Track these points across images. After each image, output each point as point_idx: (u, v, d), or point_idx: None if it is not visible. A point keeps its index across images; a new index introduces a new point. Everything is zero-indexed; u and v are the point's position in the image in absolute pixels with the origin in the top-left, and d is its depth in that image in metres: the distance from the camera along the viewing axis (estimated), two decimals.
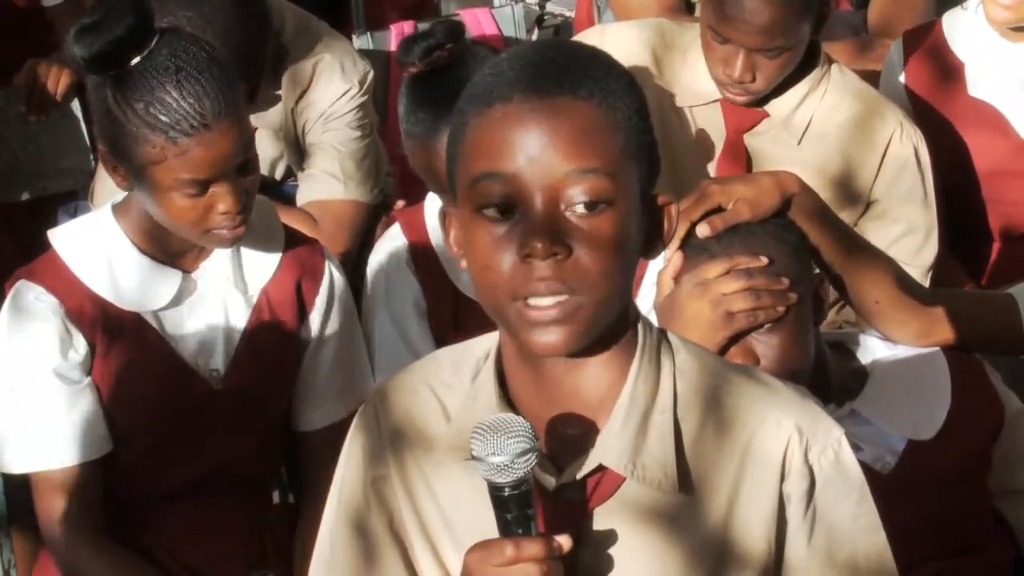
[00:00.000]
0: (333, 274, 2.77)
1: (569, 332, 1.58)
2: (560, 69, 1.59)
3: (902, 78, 3.56)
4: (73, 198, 4.04)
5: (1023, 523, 2.57)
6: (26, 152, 4.12)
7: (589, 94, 1.58)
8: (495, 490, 1.61)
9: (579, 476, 1.66)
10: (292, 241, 2.75)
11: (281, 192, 3.56)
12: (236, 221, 2.52)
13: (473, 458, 1.61)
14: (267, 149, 3.49)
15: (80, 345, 2.60)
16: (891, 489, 2.39)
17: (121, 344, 2.62)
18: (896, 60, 3.59)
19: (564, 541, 1.62)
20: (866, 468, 2.37)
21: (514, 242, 1.57)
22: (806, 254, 2.42)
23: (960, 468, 2.48)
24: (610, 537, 1.67)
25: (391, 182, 3.81)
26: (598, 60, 1.63)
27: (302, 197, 3.54)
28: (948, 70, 3.53)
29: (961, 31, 3.53)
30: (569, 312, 1.57)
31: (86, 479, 2.63)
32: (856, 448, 2.40)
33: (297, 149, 3.56)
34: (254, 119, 3.42)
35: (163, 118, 2.43)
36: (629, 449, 1.65)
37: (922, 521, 2.43)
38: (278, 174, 3.59)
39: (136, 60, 2.44)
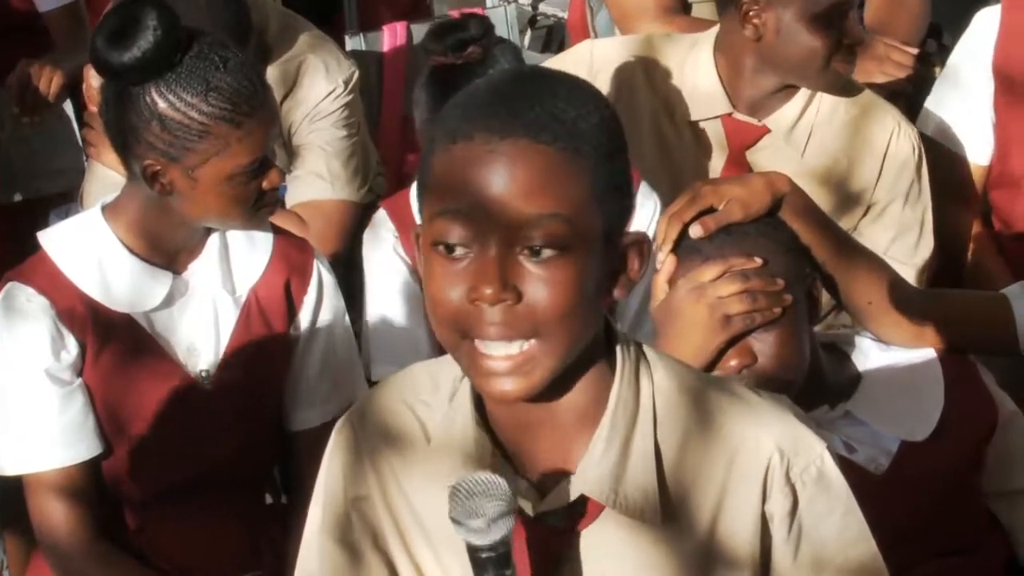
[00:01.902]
0: (322, 273, 2.78)
1: (524, 382, 1.56)
2: (524, 107, 1.55)
3: (992, 44, 3.38)
4: (66, 200, 4.04)
5: (1016, 524, 2.57)
6: (19, 153, 4.11)
7: (552, 138, 1.54)
8: (473, 551, 1.60)
9: (560, 506, 1.64)
10: (281, 241, 2.76)
11: None
12: (275, 197, 2.61)
13: (451, 520, 1.59)
14: None
15: (71, 346, 2.60)
16: (885, 490, 2.40)
17: (112, 345, 2.62)
18: (988, 23, 3.39)
19: None
20: (860, 469, 2.40)
21: (465, 282, 1.54)
22: (799, 254, 2.42)
23: (954, 469, 2.48)
24: (592, 562, 1.65)
25: (382, 182, 3.80)
26: (571, 99, 1.58)
27: (290, 199, 3.53)
28: None
29: None
30: (521, 363, 1.55)
31: (78, 480, 2.63)
32: (850, 449, 2.43)
33: (284, 150, 3.55)
34: None
35: (224, 104, 2.48)
36: (610, 478, 1.62)
37: (916, 522, 2.43)
38: None
39: (178, 59, 2.47)
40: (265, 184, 2.56)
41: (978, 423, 2.50)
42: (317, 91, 3.52)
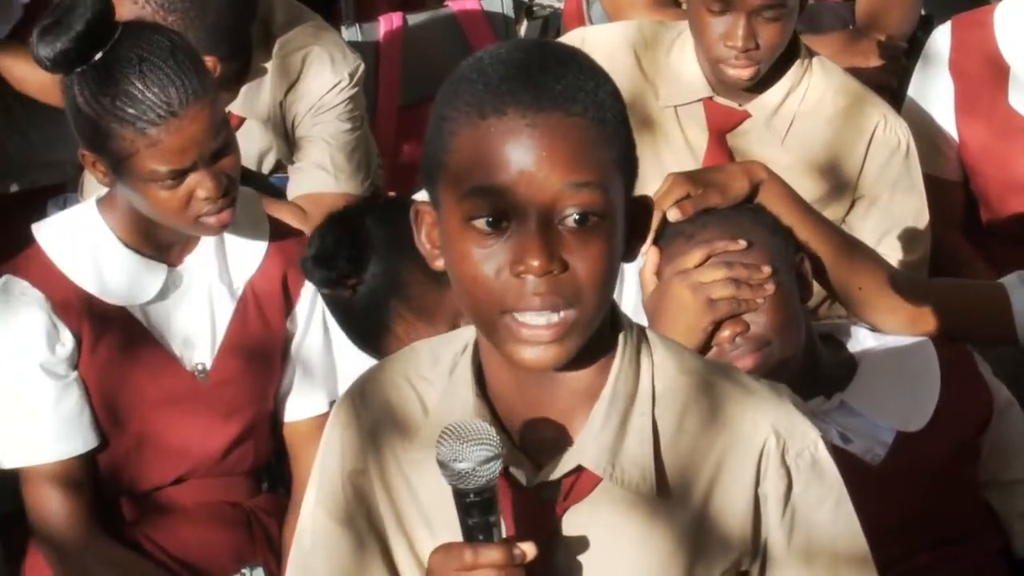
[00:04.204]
0: None
1: (560, 349, 1.58)
2: (552, 81, 1.57)
3: (946, 67, 3.42)
4: (63, 191, 4.03)
5: (1012, 513, 2.58)
6: (16, 144, 4.11)
7: (583, 109, 1.57)
8: (459, 496, 1.61)
9: (556, 476, 1.65)
10: (278, 233, 2.75)
11: (270, 185, 3.55)
12: (220, 206, 2.53)
13: (438, 463, 1.60)
14: (256, 141, 3.48)
15: (67, 339, 2.60)
16: (881, 481, 2.40)
17: (107, 338, 2.62)
18: (942, 45, 3.44)
19: (528, 548, 1.61)
20: (856, 460, 2.41)
21: (506, 256, 1.56)
22: (784, 235, 2.44)
23: (949, 458, 2.49)
24: (586, 535, 1.66)
25: (380, 175, 3.80)
26: (585, 70, 1.61)
27: (292, 190, 3.53)
28: (992, 71, 3.37)
29: (1013, 28, 3.36)
30: (561, 331, 1.57)
31: (74, 473, 2.63)
32: (846, 440, 2.43)
33: (286, 141, 3.55)
34: (243, 111, 3.42)
35: (129, 110, 2.44)
36: (608, 450, 1.64)
37: (912, 512, 2.44)
38: (266, 167, 3.58)
39: (99, 55, 2.45)
40: (200, 192, 2.50)
41: (974, 412, 2.50)
42: (322, 83, 3.50)
